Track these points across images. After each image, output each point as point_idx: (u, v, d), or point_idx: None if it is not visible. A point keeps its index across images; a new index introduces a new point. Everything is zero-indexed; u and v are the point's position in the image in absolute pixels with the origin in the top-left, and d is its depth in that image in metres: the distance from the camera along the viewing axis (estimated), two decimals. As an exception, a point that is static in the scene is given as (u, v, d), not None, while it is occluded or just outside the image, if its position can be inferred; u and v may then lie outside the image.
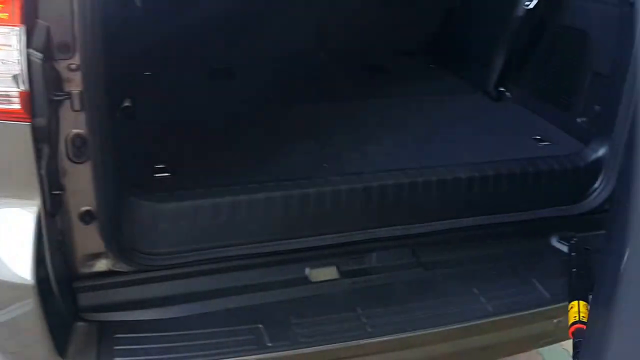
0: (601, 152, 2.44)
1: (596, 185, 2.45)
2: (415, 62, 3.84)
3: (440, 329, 1.92)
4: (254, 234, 2.00)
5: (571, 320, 1.95)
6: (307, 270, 2.06)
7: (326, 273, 2.07)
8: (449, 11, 3.87)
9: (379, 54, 3.81)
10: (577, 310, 1.97)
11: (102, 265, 1.90)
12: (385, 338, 1.86)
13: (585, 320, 1.93)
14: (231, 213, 1.95)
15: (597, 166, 2.44)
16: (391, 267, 2.16)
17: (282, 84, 3.20)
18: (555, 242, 2.41)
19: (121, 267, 1.90)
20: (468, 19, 3.64)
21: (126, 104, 2.57)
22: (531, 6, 2.87)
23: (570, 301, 2.03)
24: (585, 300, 2.02)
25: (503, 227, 2.34)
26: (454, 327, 1.94)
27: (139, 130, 2.44)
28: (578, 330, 1.91)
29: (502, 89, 3.23)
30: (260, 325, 1.85)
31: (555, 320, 2.13)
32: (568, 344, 3.31)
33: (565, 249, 2.37)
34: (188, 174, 2.09)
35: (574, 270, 2.19)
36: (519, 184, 2.36)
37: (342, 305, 1.97)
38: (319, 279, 2.05)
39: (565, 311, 2.10)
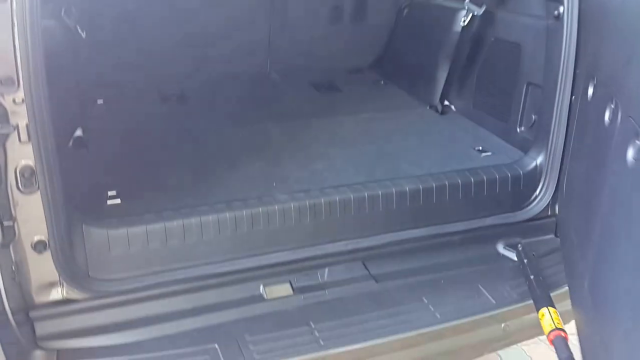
0: (540, 159, 2.56)
1: (537, 191, 2.56)
2: (365, 80, 3.95)
3: (390, 339, 1.99)
4: (207, 255, 2.05)
5: (547, 329, 2.02)
6: (262, 288, 2.11)
7: (280, 290, 2.12)
8: (394, 29, 4.01)
9: (330, 73, 3.91)
10: (550, 318, 2.05)
11: (57, 293, 1.93)
12: (337, 350, 1.92)
13: (560, 326, 2.01)
14: (182, 236, 2.00)
15: (537, 173, 2.56)
16: (343, 280, 2.23)
17: (233, 106, 3.27)
18: (501, 249, 2.52)
19: (76, 294, 1.93)
20: (411, 37, 3.77)
21: (78, 133, 2.60)
22: (466, 22, 3.00)
23: (538, 309, 2.11)
24: (552, 306, 2.11)
25: (450, 236, 2.43)
26: (404, 335, 2.00)
27: (91, 158, 2.48)
28: (559, 338, 1.97)
29: (446, 103, 3.36)
30: (216, 345, 1.89)
31: (502, 325, 2.21)
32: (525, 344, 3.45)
33: (511, 255, 2.48)
34: (139, 200, 2.13)
35: (532, 277, 2.27)
36: (463, 194, 2.45)
37: (295, 320, 2.02)
38: (273, 296, 2.10)
39: (512, 315, 2.22)
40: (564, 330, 2.00)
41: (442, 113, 3.31)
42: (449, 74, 3.27)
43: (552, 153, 2.50)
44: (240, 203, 2.12)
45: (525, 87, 2.75)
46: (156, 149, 2.61)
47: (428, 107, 3.35)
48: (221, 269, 2.06)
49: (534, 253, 2.45)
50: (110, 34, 3.27)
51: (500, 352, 3.45)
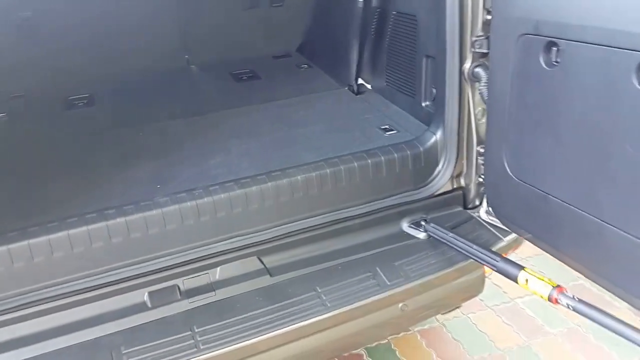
0: (439, 133, 2.50)
1: (439, 166, 2.51)
2: (289, 65, 3.86)
3: (274, 334, 1.93)
4: (79, 268, 1.99)
5: (545, 291, 1.95)
6: (146, 296, 2.05)
7: (165, 296, 2.06)
8: (315, 10, 3.92)
9: (254, 61, 3.82)
10: (537, 279, 2.00)
11: None
12: (216, 352, 1.86)
13: (555, 284, 1.95)
14: (50, 252, 1.93)
15: (437, 148, 2.50)
16: (235, 278, 2.16)
17: (141, 105, 3.19)
18: (406, 228, 2.47)
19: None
20: (328, 17, 3.69)
21: None
22: None
23: (515, 279, 2.07)
24: (522, 267, 2.07)
25: (350, 220, 2.38)
26: (288, 329, 1.95)
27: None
28: (563, 293, 1.92)
29: (362, 82, 3.29)
30: None
31: (400, 305, 2.16)
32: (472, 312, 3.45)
33: (416, 233, 2.43)
34: (6, 218, 2.06)
35: (474, 247, 2.23)
36: (360, 176, 2.40)
37: (178, 326, 1.95)
38: (157, 304, 2.03)
39: (409, 294, 2.17)
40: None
41: (359, 93, 3.24)
42: (360, 52, 3.20)
43: (448, 125, 2.44)
44: (113, 211, 2.05)
45: (424, 60, 2.69)
46: (44, 162, 2.53)
47: (346, 88, 3.29)
48: (97, 281, 2.00)
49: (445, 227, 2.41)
50: (8, 45, 3.18)
51: (445, 322, 3.45)
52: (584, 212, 1.92)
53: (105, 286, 2.01)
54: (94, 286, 1.99)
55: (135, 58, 3.56)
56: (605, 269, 1.92)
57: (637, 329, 1.74)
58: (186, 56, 3.74)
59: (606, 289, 1.95)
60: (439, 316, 3.41)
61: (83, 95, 3.26)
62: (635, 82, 1.65)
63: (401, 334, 3.34)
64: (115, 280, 2.02)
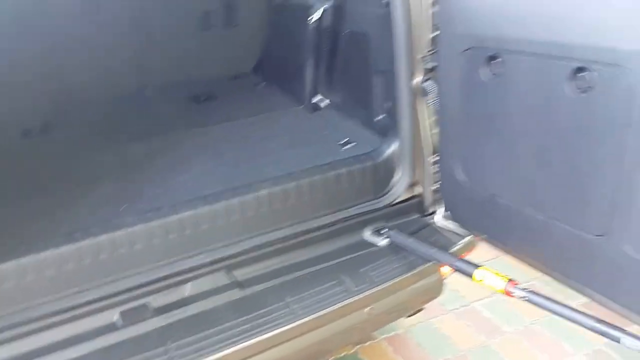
0: (395, 144, 2.61)
1: (396, 176, 2.62)
2: (246, 84, 3.94)
3: (248, 343, 1.98)
4: (48, 292, 1.99)
5: (500, 286, 2.09)
6: (117, 316, 2.08)
7: (137, 314, 2.09)
8: (269, 30, 4.01)
9: (211, 82, 3.88)
10: (493, 275, 2.13)
11: None
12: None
13: (508, 278, 2.09)
14: (18, 277, 1.94)
15: (394, 158, 2.61)
16: (206, 293, 2.21)
17: (100, 130, 3.20)
18: (368, 236, 2.56)
19: None
20: (281, 36, 3.79)
21: None
22: (317, 17, 3.04)
23: (470, 276, 2.19)
24: (477, 266, 2.20)
25: (315, 231, 2.46)
26: (262, 338, 2.01)
27: None
28: (517, 287, 2.06)
29: (320, 98, 3.39)
30: None
31: (367, 309, 2.24)
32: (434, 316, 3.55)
33: (377, 240, 2.52)
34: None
35: (434, 250, 2.35)
36: (323, 189, 2.48)
37: (152, 343, 1.98)
38: (129, 322, 2.05)
39: (375, 298, 2.26)
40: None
41: (316, 110, 3.33)
42: (315, 70, 3.30)
43: (403, 137, 2.56)
44: (80, 234, 2.07)
45: (376, 75, 2.81)
46: (4, 190, 2.51)
47: (302, 106, 3.37)
48: (68, 303, 2.01)
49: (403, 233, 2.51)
50: None
51: (409, 328, 3.55)
52: (530, 211, 2.05)
53: (77, 307, 2.03)
54: (66, 308, 2.01)
55: (91, 83, 3.56)
56: (556, 262, 2.06)
57: (586, 314, 1.87)
58: (143, 80, 3.77)
59: (560, 281, 2.08)
60: (404, 322, 3.50)
61: (40, 123, 3.25)
62: (567, 89, 1.79)
63: (368, 343, 3.42)
64: (87, 302, 2.04)
